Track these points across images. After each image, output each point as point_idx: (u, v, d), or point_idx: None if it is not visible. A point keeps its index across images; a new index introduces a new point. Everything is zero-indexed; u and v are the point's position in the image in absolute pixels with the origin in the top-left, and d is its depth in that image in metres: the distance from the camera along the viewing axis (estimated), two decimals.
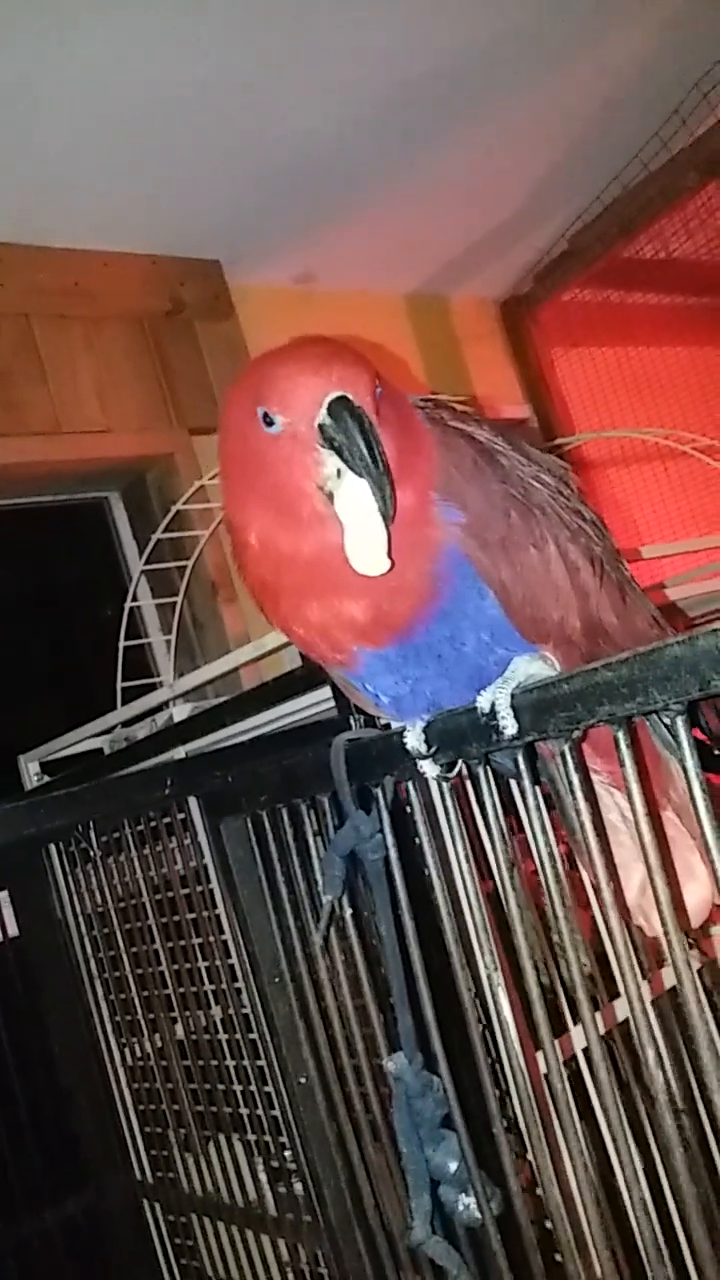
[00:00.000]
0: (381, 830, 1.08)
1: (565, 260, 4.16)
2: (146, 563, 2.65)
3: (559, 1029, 1.26)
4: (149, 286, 3.26)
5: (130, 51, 2.55)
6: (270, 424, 0.85)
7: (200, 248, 3.37)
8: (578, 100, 3.44)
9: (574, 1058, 1.28)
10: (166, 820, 1.69)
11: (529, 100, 3.32)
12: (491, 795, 0.94)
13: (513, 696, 0.86)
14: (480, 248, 3.99)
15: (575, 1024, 1.31)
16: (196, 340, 3.36)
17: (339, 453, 0.82)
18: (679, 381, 4.26)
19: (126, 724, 2.33)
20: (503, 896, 1.00)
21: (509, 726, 0.86)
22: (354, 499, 0.82)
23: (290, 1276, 1.71)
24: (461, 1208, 1.06)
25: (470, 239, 3.94)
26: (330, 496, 0.85)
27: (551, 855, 0.92)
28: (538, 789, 0.92)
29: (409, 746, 0.97)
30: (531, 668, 0.92)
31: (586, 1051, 1.16)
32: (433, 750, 0.97)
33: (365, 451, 0.80)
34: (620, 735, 0.80)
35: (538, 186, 3.79)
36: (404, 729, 0.99)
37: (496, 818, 0.96)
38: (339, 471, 0.83)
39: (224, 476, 0.94)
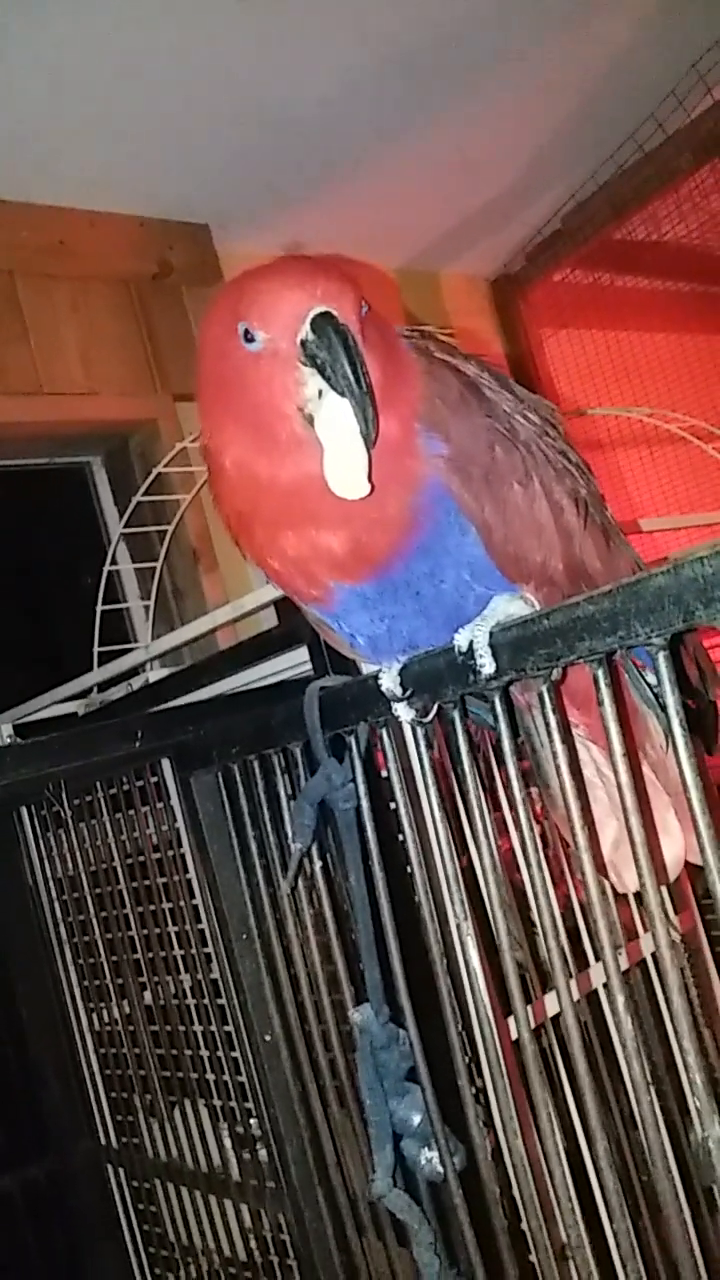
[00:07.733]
0: (354, 779, 1.06)
1: (557, 239, 4.13)
2: (126, 526, 2.61)
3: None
4: (136, 248, 3.20)
5: (123, 10, 2.49)
6: (250, 340, 0.82)
7: (189, 211, 3.32)
8: (573, 78, 3.40)
9: (542, 1026, 1.27)
10: (140, 784, 1.66)
11: (524, 76, 3.28)
12: (466, 740, 0.92)
13: (491, 635, 0.84)
14: (472, 224, 3.96)
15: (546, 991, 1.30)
16: (183, 305, 3.31)
17: (321, 370, 0.79)
18: (666, 367, 4.25)
19: (102, 687, 2.29)
20: (474, 846, 0.98)
21: (487, 665, 0.84)
22: (335, 419, 0.79)
23: (252, 1242, 1.70)
24: (424, 1162, 1.05)
25: (462, 214, 3.90)
26: (311, 420, 0.82)
27: (526, 804, 0.91)
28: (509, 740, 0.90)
29: (384, 688, 0.95)
30: (511, 607, 0.89)
31: (558, 1017, 1.15)
32: (408, 693, 0.95)
33: (349, 370, 0.77)
34: (600, 674, 0.78)
35: (531, 164, 3.75)
36: (379, 672, 0.96)
37: (472, 765, 0.94)
38: (320, 393, 0.80)
39: (201, 397, 0.91)
